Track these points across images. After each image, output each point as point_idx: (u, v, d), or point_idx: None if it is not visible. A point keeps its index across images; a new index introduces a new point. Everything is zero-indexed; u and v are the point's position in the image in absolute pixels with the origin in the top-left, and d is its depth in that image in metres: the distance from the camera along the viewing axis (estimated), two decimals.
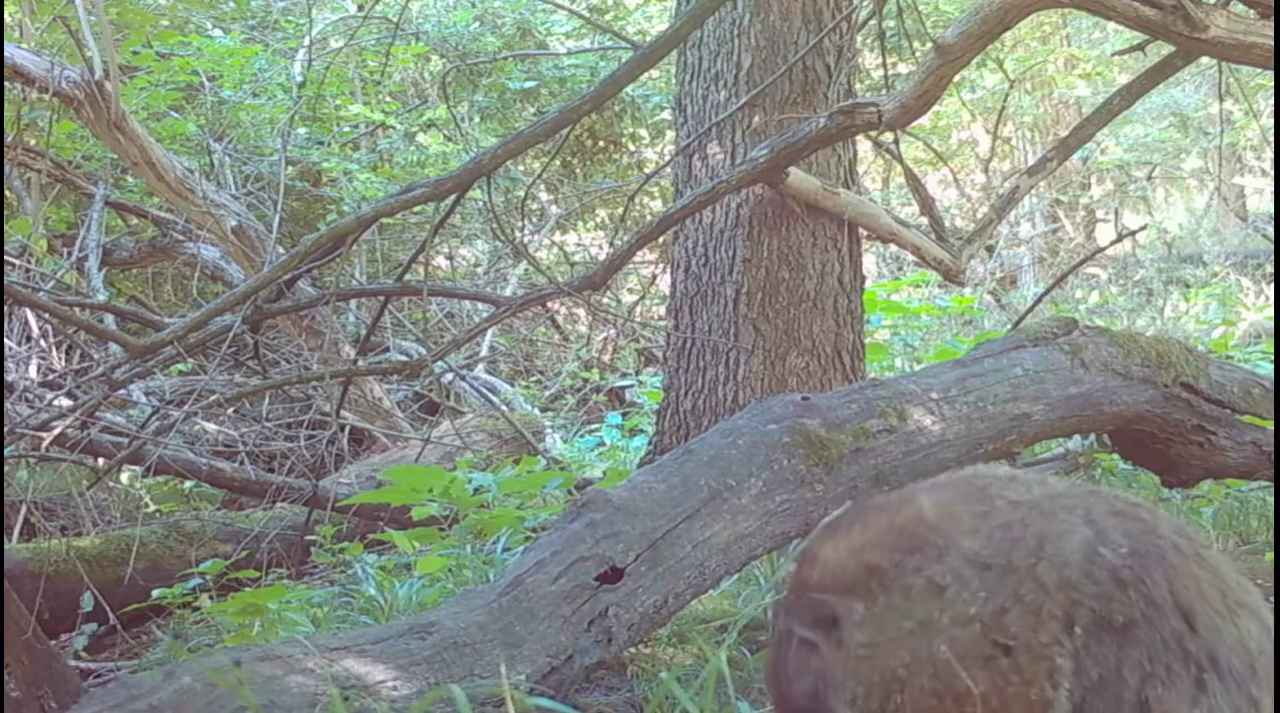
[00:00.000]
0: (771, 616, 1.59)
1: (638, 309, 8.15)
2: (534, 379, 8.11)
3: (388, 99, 8.30)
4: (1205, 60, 4.90)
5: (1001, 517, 1.43)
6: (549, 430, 6.49)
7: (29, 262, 6.13)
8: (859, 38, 4.77)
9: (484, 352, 7.86)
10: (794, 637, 1.47)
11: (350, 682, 1.91)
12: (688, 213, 4.08)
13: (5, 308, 5.61)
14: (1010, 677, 1.33)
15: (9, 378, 5.54)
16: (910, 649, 1.38)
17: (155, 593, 3.90)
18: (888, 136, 4.30)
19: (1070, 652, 1.32)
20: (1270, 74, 4.16)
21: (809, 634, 1.45)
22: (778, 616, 1.56)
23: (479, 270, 8.96)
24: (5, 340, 5.79)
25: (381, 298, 4.44)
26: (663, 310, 6.12)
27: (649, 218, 6.37)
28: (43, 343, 6.14)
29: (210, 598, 3.81)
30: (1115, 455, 3.93)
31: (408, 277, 4.49)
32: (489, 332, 7.29)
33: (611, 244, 7.33)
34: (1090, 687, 1.31)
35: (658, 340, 7.15)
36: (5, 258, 5.57)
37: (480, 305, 6.99)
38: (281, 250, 5.30)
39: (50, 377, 6.06)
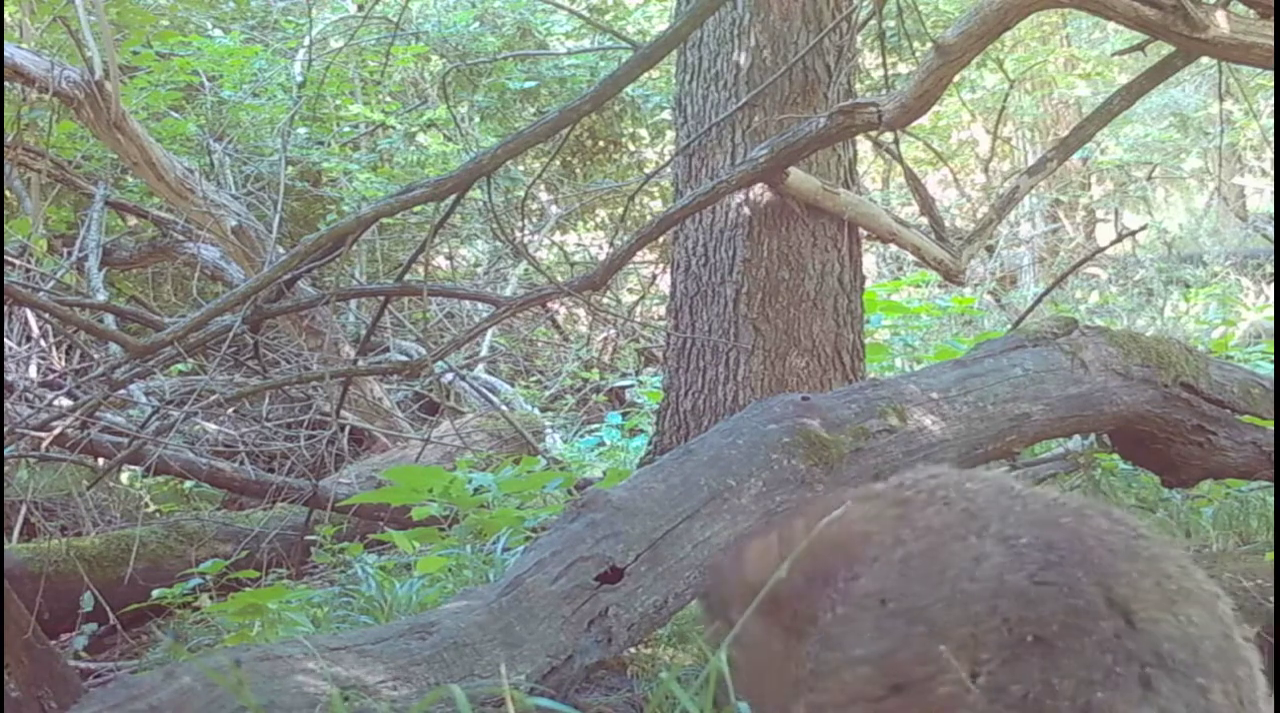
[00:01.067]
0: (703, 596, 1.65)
1: (638, 309, 8.15)
2: (534, 379, 8.11)
3: (388, 99, 8.30)
4: (1205, 60, 4.90)
5: (908, 548, 1.42)
6: (549, 430, 6.48)
7: (29, 262, 6.13)
8: (859, 38, 4.76)
9: (484, 352, 7.86)
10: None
11: (350, 682, 1.91)
12: (688, 213, 4.08)
13: (5, 308, 5.61)
14: None
15: (9, 378, 5.54)
16: (796, 683, 1.41)
17: (155, 593, 3.90)
18: (888, 136, 4.30)
19: (980, 679, 1.29)
20: (1270, 74, 4.16)
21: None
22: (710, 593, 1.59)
23: (479, 270, 8.96)
24: (5, 340, 5.79)
25: (381, 298, 4.44)
26: (663, 310, 6.12)
27: (649, 218, 6.36)
28: (43, 343, 6.14)
29: (210, 598, 3.82)
30: (1115, 455, 3.93)
31: (408, 277, 4.49)
32: (489, 332, 7.29)
33: (611, 244, 7.33)
34: (1015, 704, 1.27)
35: (658, 340, 7.15)
36: (5, 258, 5.57)
37: (480, 305, 6.99)
38: (281, 250, 5.30)
39: (50, 377, 6.06)
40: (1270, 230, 10.31)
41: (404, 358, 6.50)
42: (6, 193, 6.55)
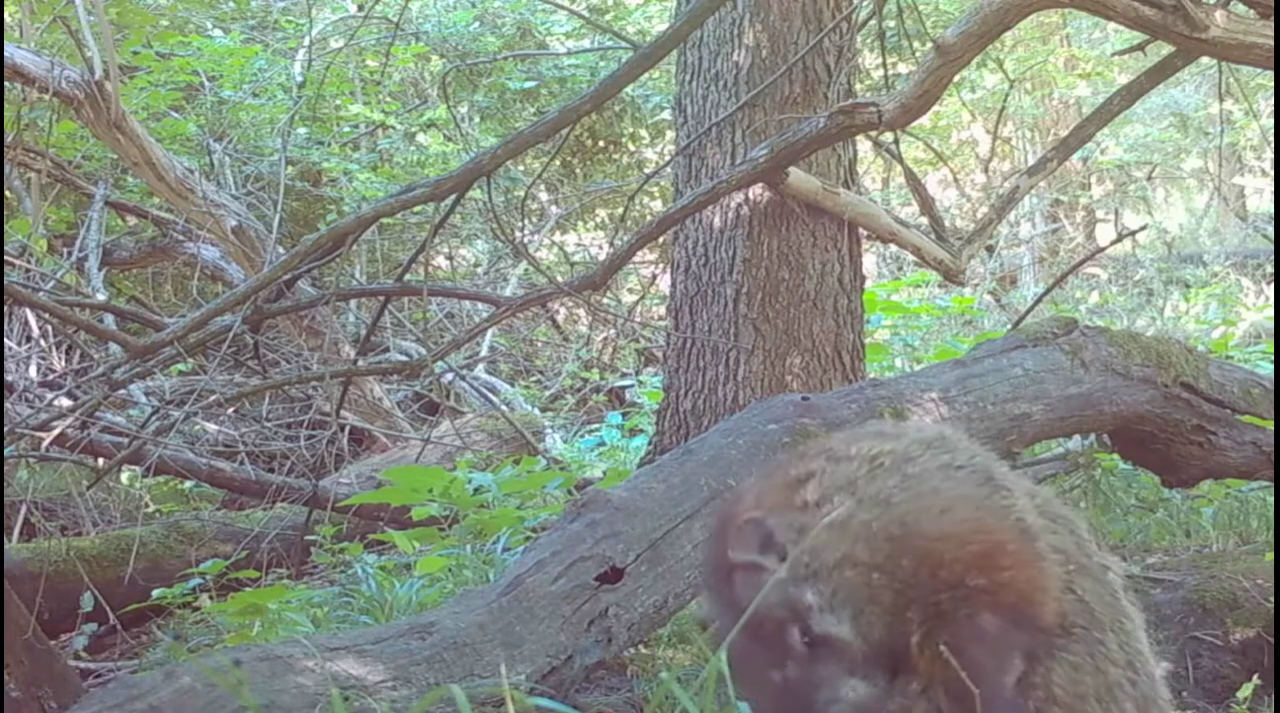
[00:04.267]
0: (704, 567, 1.70)
1: (638, 309, 8.15)
2: (534, 379, 8.11)
3: (388, 99, 8.29)
4: (1205, 60, 4.90)
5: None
6: (549, 430, 6.48)
7: (29, 262, 6.13)
8: (859, 38, 4.76)
9: (484, 352, 7.86)
10: (736, 569, 1.54)
11: (350, 682, 1.91)
12: (688, 213, 4.08)
13: (5, 308, 5.61)
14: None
15: (9, 378, 5.54)
16: (854, 504, 1.51)
17: (155, 593, 3.90)
18: (888, 136, 4.30)
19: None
20: (1270, 74, 4.16)
21: (750, 558, 1.53)
22: (711, 560, 1.65)
23: (479, 270, 8.96)
24: (5, 340, 5.79)
25: (381, 298, 4.44)
26: (663, 310, 6.12)
27: (649, 218, 6.37)
28: (43, 343, 6.14)
29: (210, 598, 3.81)
30: (1115, 455, 3.93)
31: (408, 277, 4.49)
32: (489, 332, 7.29)
33: (611, 244, 7.33)
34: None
35: (658, 340, 7.15)
36: (5, 258, 5.57)
37: (480, 305, 6.99)
38: (281, 250, 5.31)
39: (50, 377, 6.06)
40: (1270, 230, 10.31)
41: (404, 358, 6.50)
42: (6, 193, 6.55)
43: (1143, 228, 7.41)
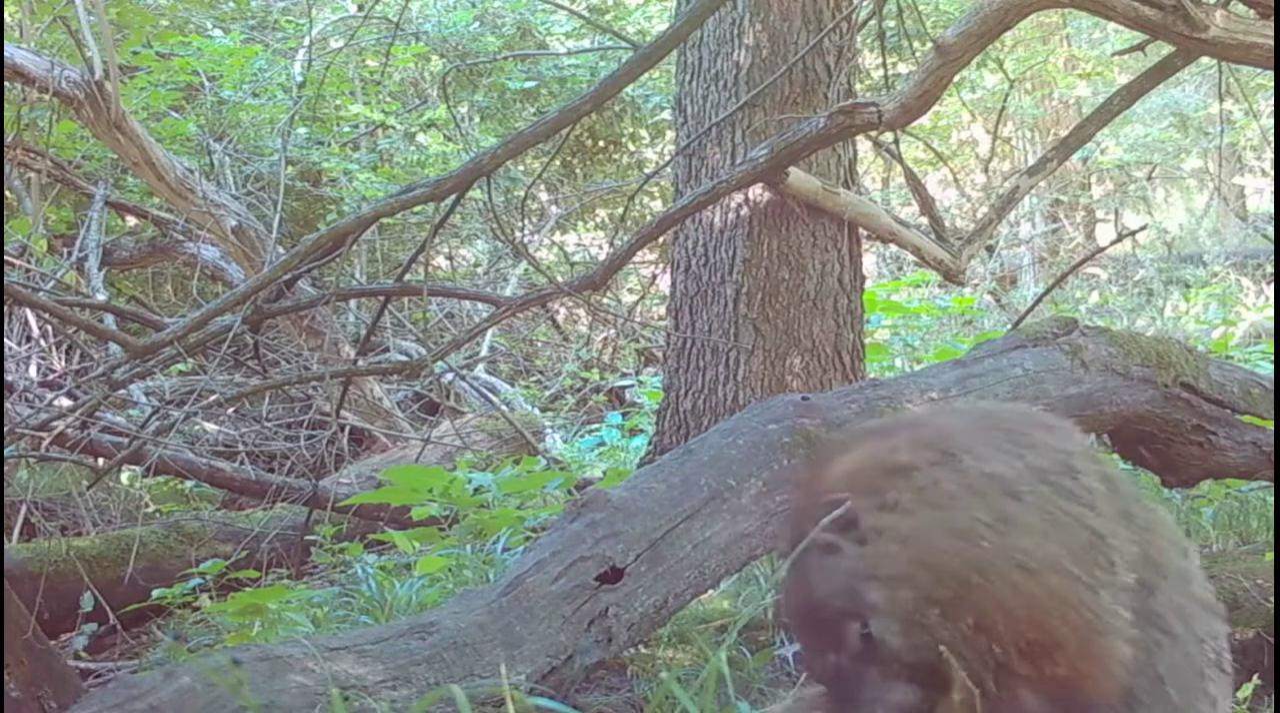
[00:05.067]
0: (780, 535, 1.63)
1: (638, 309, 8.15)
2: (534, 379, 8.11)
3: (388, 99, 8.29)
4: (1205, 60, 4.90)
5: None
6: (549, 430, 6.48)
7: (29, 262, 6.13)
8: (859, 38, 4.77)
9: (484, 352, 7.86)
10: (813, 545, 1.49)
11: (350, 682, 1.91)
12: (688, 213, 4.08)
13: (5, 308, 5.61)
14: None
15: (9, 378, 5.54)
16: (943, 529, 1.43)
17: (155, 593, 3.90)
18: (888, 136, 4.30)
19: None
20: (1270, 74, 4.16)
21: (828, 538, 1.47)
22: (787, 529, 1.58)
23: (479, 270, 8.96)
24: (5, 340, 5.79)
25: (381, 298, 4.44)
26: (663, 310, 6.12)
27: (649, 218, 6.37)
28: (43, 343, 6.14)
29: (210, 598, 3.82)
30: (1115, 455, 3.93)
31: (408, 277, 4.49)
32: (489, 332, 7.29)
33: (611, 244, 7.33)
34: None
35: (658, 340, 7.15)
36: (5, 258, 5.57)
37: (480, 305, 6.99)
38: (281, 250, 5.31)
39: (50, 377, 6.06)
40: (1270, 230, 10.31)
41: (404, 358, 6.50)
42: (6, 193, 6.55)
43: (1143, 228, 7.40)
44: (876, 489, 1.48)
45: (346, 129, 8.22)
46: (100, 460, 4.59)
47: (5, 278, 4.69)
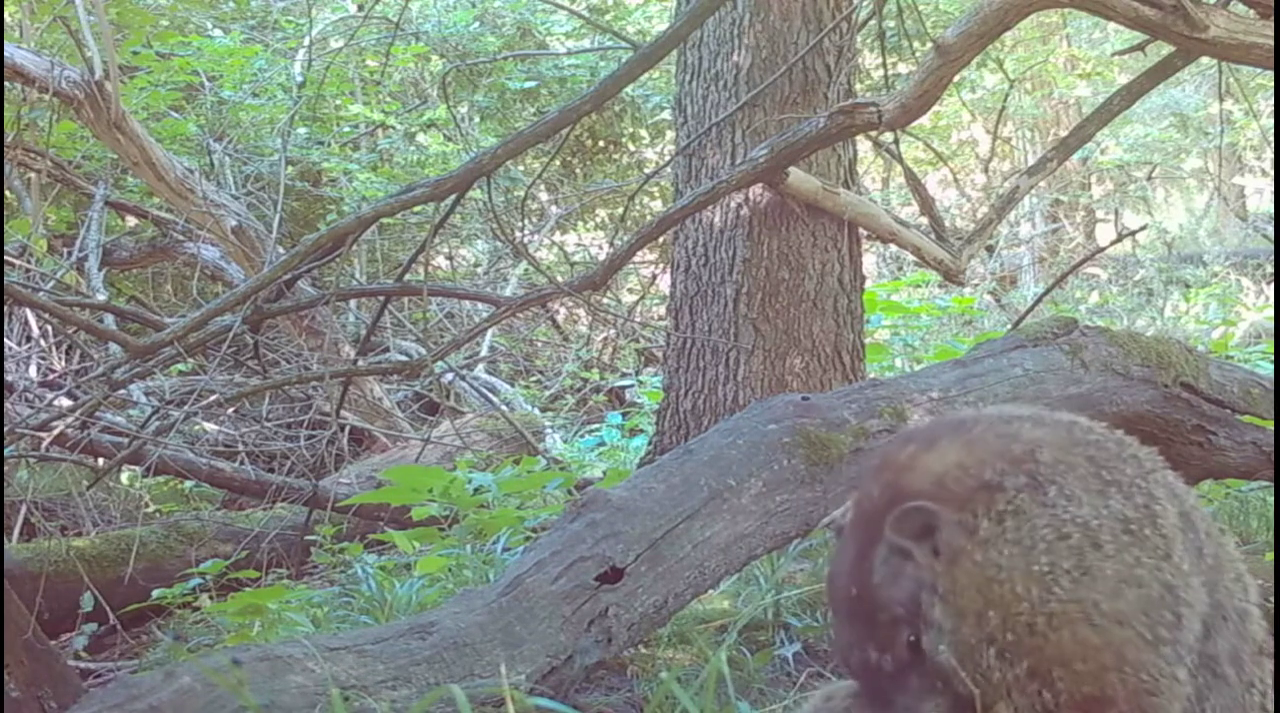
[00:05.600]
0: (845, 518, 1.59)
1: (638, 309, 8.15)
2: (534, 379, 8.11)
3: (388, 99, 8.30)
4: (1205, 60, 4.90)
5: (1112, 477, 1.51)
6: (549, 430, 6.48)
7: (29, 262, 6.13)
8: (859, 38, 4.77)
9: (484, 352, 7.86)
10: (885, 544, 1.47)
11: (350, 682, 1.91)
12: (688, 213, 4.08)
13: (5, 308, 5.61)
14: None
15: (9, 378, 5.54)
16: (1022, 571, 1.41)
17: (155, 593, 3.90)
18: (888, 136, 4.30)
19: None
20: (1270, 74, 4.16)
21: (904, 543, 1.46)
22: (857, 520, 1.55)
23: (479, 270, 8.96)
24: (5, 340, 5.79)
25: (381, 298, 4.44)
26: (663, 310, 6.12)
27: (649, 218, 6.36)
28: (43, 343, 6.14)
29: (210, 598, 3.81)
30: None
31: (408, 277, 4.49)
32: (489, 332, 7.29)
33: (611, 244, 7.33)
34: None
35: (658, 340, 7.15)
36: (5, 258, 5.57)
37: (480, 305, 6.99)
38: (281, 250, 5.31)
39: (50, 377, 6.06)
40: (1270, 230, 10.31)
41: (404, 358, 6.50)
42: (6, 193, 6.55)
43: (1143, 228, 7.40)
44: (960, 502, 1.45)
45: (346, 129, 8.22)
46: (100, 460, 4.59)
47: (5, 278, 4.69)
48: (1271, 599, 2.79)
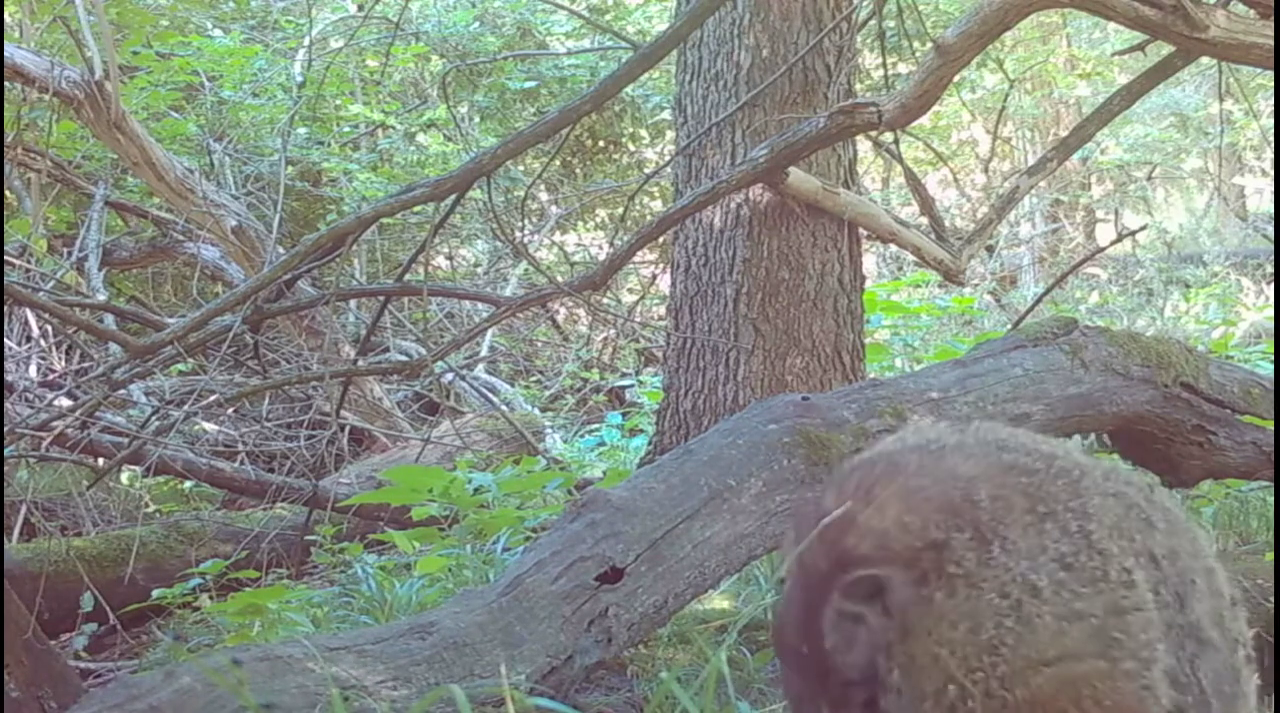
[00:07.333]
0: (788, 577, 1.57)
1: (638, 309, 8.15)
2: (534, 379, 8.11)
3: (388, 99, 8.30)
4: (1205, 60, 4.90)
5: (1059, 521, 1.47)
6: (549, 430, 6.48)
7: (29, 262, 6.13)
8: (859, 38, 4.77)
9: (484, 352, 7.86)
10: (834, 610, 1.45)
11: (350, 682, 1.90)
12: (688, 213, 4.08)
13: (5, 308, 5.61)
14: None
15: (9, 378, 5.54)
16: (974, 645, 1.40)
17: (155, 593, 3.90)
18: (888, 136, 4.30)
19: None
20: (1270, 74, 4.16)
21: (854, 608, 1.44)
22: (801, 581, 1.52)
23: (479, 270, 8.96)
24: (5, 340, 5.79)
25: (381, 298, 4.44)
26: (663, 310, 6.12)
27: (649, 218, 6.37)
28: (43, 343, 6.14)
29: (210, 598, 3.82)
30: (1115, 455, 3.93)
31: (408, 277, 4.49)
32: (489, 332, 7.29)
33: (611, 244, 7.33)
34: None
35: (658, 340, 7.15)
36: (5, 258, 5.57)
37: (480, 305, 6.99)
38: (281, 250, 5.31)
39: (50, 377, 6.06)
40: (1270, 230, 10.31)
41: (404, 358, 6.50)
42: (6, 193, 6.55)
43: (1143, 228, 7.41)
44: (907, 561, 1.43)
45: (346, 129, 8.22)
46: (100, 460, 4.59)
47: (5, 278, 4.69)
48: (1272, 599, 2.79)
